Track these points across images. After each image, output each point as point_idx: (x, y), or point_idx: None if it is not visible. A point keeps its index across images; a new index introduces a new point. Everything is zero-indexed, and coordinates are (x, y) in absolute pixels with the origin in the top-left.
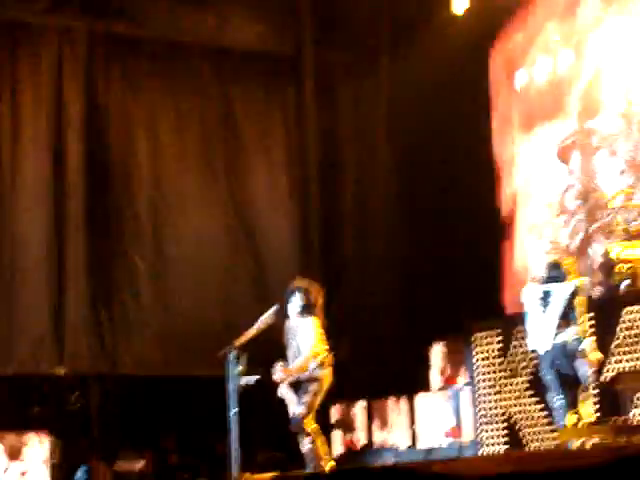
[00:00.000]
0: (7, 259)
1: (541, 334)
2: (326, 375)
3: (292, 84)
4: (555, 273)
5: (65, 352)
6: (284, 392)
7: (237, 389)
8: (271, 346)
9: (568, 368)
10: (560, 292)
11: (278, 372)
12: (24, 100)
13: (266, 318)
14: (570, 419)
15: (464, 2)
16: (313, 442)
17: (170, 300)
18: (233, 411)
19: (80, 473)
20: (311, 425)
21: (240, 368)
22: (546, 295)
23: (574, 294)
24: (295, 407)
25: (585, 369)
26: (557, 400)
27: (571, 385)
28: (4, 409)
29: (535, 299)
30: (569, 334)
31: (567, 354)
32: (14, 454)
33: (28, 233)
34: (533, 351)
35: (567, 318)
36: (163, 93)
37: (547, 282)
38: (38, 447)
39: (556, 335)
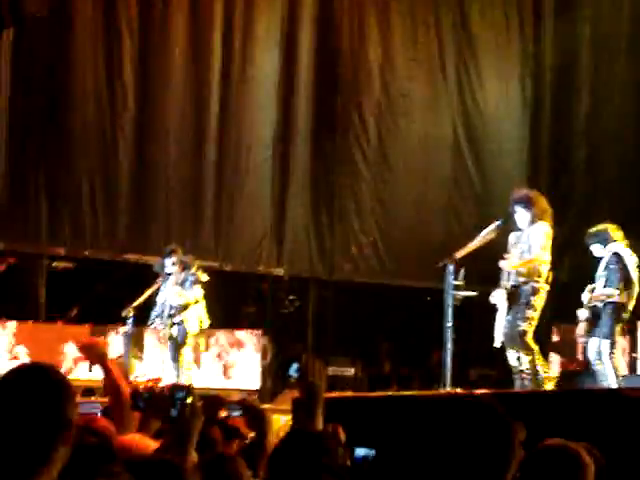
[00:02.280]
0: (233, 155)
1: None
2: (545, 290)
3: None
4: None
5: (284, 254)
6: (499, 300)
7: (454, 302)
8: (491, 265)
9: None
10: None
11: (503, 262)
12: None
13: (488, 233)
14: None
15: None
16: (531, 358)
17: (391, 208)
18: (448, 324)
19: (293, 369)
20: (531, 342)
21: (459, 281)
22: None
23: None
24: (509, 318)
25: None
26: None
27: None
28: (220, 306)
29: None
30: None
31: None
32: (226, 351)
33: (255, 130)
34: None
35: None
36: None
37: None
38: (250, 346)
39: None
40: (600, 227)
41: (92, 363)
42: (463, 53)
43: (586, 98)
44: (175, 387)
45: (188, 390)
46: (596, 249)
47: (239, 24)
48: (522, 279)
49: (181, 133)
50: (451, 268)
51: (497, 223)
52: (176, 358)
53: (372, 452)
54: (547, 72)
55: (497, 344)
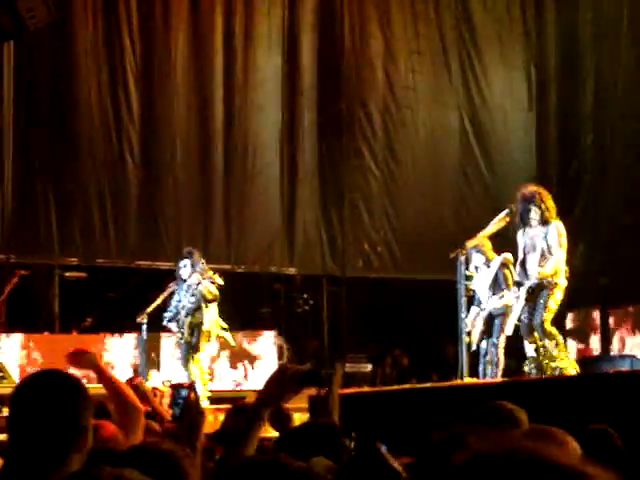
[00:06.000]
0: (240, 157)
1: None
2: (564, 286)
3: None
4: None
5: (295, 253)
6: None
7: (466, 293)
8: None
9: None
10: None
11: (536, 268)
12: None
13: (498, 220)
14: None
15: None
16: (555, 342)
17: (401, 202)
18: (462, 315)
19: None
20: (552, 329)
21: (470, 272)
22: None
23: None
24: (527, 310)
25: None
26: None
27: None
28: (234, 308)
29: None
30: None
31: None
32: (243, 353)
33: (261, 133)
34: None
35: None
36: None
37: None
38: (267, 346)
39: None
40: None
41: (83, 369)
42: (466, 44)
43: (591, 84)
44: (177, 386)
45: (190, 388)
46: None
47: (240, 28)
48: (545, 279)
49: (187, 139)
50: (462, 259)
51: (507, 210)
52: (187, 363)
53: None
54: (551, 59)
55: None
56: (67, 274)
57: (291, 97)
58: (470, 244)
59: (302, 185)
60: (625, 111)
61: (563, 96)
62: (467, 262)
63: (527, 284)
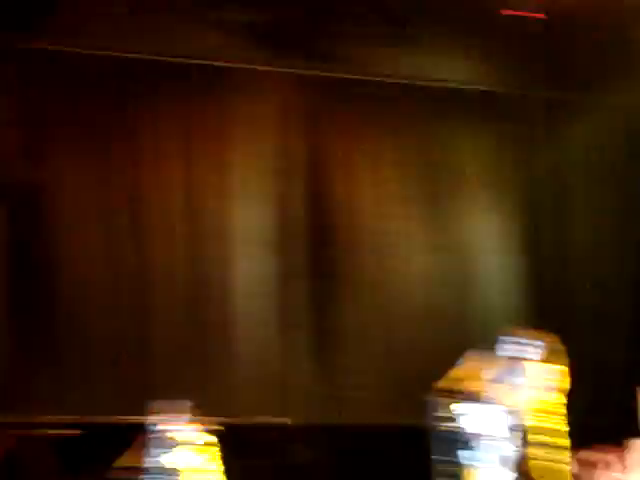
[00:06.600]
0: (226, 307)
1: None
2: None
3: (520, 125)
4: None
5: (289, 402)
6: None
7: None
8: None
9: None
10: None
11: None
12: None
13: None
14: None
15: None
16: None
17: (394, 348)
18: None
19: None
20: None
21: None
22: None
23: None
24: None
25: None
26: None
27: None
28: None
29: None
30: None
31: None
32: None
33: (248, 284)
34: None
35: None
36: (384, 138)
37: None
38: None
39: None
40: None
41: None
42: (454, 191)
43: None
44: None
45: None
46: None
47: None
48: None
49: (176, 287)
50: (436, 402)
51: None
52: None
53: None
54: (544, 203)
55: None
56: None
57: (280, 250)
58: (442, 385)
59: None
60: (620, 255)
61: (554, 241)
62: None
63: None
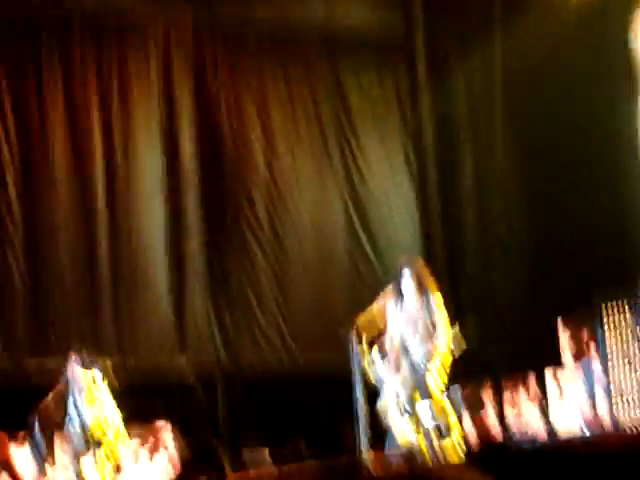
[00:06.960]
0: (126, 254)
1: None
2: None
3: (404, 68)
4: None
5: (187, 344)
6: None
7: (361, 369)
8: None
9: None
10: None
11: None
12: (134, 95)
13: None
14: None
15: None
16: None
17: (291, 290)
18: (358, 393)
19: None
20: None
21: (363, 347)
22: None
23: None
24: None
25: None
26: None
27: None
28: (129, 403)
29: None
30: None
31: None
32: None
33: (146, 226)
34: None
35: None
36: (274, 79)
37: None
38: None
39: None
40: None
41: None
42: (343, 127)
43: (469, 158)
44: None
45: None
46: None
47: (117, 121)
48: None
49: (71, 234)
50: (354, 336)
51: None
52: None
53: None
54: (428, 137)
55: None
56: None
57: (175, 192)
58: (360, 320)
59: (191, 278)
60: (505, 186)
61: (443, 173)
62: (360, 338)
63: None
